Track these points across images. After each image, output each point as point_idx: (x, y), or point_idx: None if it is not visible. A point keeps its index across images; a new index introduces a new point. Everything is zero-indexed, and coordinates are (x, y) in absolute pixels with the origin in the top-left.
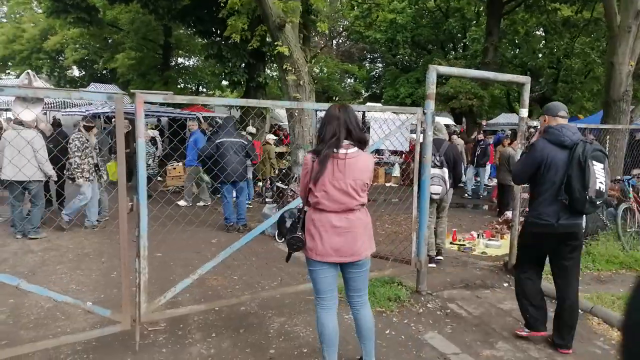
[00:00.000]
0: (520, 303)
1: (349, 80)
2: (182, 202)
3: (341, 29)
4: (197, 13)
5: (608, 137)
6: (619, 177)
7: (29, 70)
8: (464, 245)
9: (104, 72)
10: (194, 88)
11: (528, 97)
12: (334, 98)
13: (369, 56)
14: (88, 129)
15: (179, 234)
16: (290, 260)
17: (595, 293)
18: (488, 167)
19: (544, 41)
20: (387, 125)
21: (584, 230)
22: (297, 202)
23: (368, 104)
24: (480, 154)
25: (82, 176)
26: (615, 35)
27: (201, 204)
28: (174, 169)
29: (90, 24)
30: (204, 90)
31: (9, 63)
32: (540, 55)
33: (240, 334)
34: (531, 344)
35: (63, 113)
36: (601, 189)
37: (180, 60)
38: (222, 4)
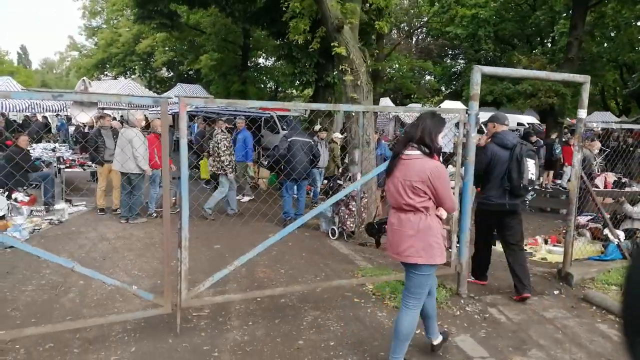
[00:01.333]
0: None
1: (428, 77)
2: (245, 198)
3: (419, 25)
4: (270, 15)
5: None
6: None
7: (85, 78)
8: (524, 250)
9: (190, 72)
10: (273, 87)
11: (587, 97)
12: (412, 96)
13: (450, 52)
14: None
15: (240, 227)
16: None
17: None
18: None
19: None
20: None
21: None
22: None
23: (411, 105)
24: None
25: (232, 171)
26: None
27: (246, 199)
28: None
29: (172, 28)
30: (279, 89)
31: (107, 65)
32: (635, 49)
33: (275, 324)
34: (566, 354)
35: (151, 112)
36: (532, 179)
37: (260, 60)
38: (284, 8)
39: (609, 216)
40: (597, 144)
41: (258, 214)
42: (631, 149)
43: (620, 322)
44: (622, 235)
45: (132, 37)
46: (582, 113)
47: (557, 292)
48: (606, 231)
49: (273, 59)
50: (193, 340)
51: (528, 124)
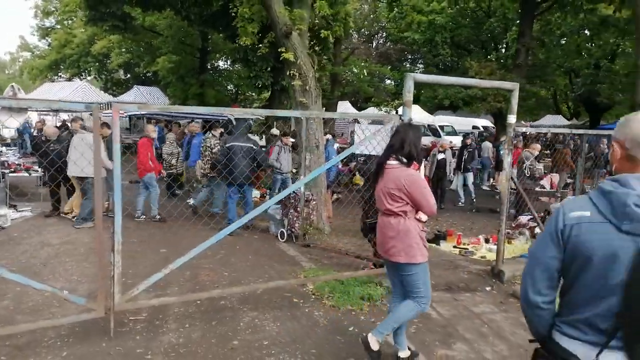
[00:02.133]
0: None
1: (388, 81)
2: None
3: (378, 30)
4: (226, 18)
5: None
6: None
7: (14, 84)
8: (466, 249)
9: (147, 74)
10: (233, 90)
11: (516, 103)
12: (372, 100)
13: (409, 57)
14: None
15: (189, 232)
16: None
17: None
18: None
19: (580, 42)
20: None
21: None
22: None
23: (342, 111)
24: (467, 158)
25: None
26: None
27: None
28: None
29: (125, 30)
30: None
31: (61, 66)
32: (581, 55)
33: (212, 325)
34: (488, 346)
35: (104, 115)
36: None
37: (219, 63)
38: (234, 13)
39: (540, 215)
40: (537, 146)
41: (205, 218)
42: (579, 150)
43: (621, 330)
44: None
45: (87, 38)
46: (512, 118)
47: (489, 288)
48: (537, 229)
49: (230, 62)
50: (127, 344)
51: (482, 126)
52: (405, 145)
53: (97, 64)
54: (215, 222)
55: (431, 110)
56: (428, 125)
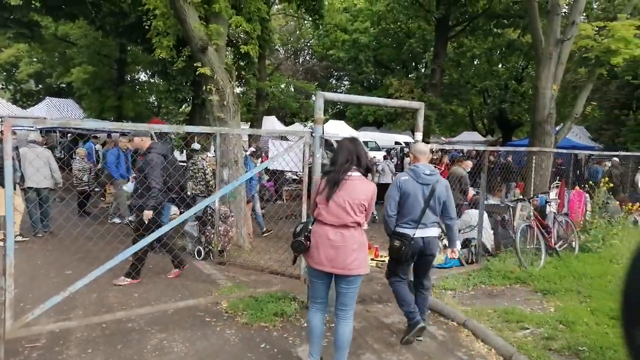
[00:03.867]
0: None
1: (314, 97)
2: (117, 220)
3: (303, 47)
4: (143, 30)
5: (534, 157)
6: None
7: None
8: (383, 261)
9: (61, 85)
10: (155, 103)
11: (422, 121)
12: (298, 116)
13: (335, 74)
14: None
15: (101, 252)
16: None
17: (479, 307)
18: None
19: (491, 64)
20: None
21: (494, 246)
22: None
23: (268, 125)
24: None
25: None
26: (540, 61)
27: (117, 220)
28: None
29: (32, 39)
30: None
31: None
32: (492, 76)
33: (117, 349)
34: (395, 355)
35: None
36: None
37: (140, 75)
38: (147, 26)
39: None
40: (469, 163)
41: (120, 236)
42: (492, 166)
43: (619, 314)
44: (458, 244)
45: None
46: (418, 135)
47: None
48: (445, 241)
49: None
50: None
51: (404, 142)
52: (361, 159)
53: (4, 73)
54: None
55: (356, 126)
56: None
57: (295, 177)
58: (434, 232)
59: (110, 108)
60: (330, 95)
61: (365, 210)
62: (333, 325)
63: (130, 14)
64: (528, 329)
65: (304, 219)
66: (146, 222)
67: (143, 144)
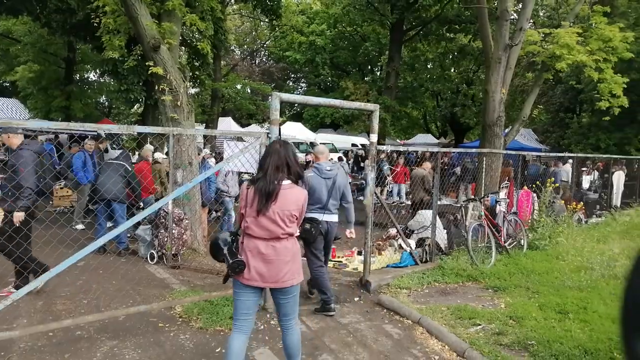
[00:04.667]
0: None
1: (270, 98)
2: (80, 226)
3: (260, 48)
4: (93, 28)
5: (484, 158)
6: (477, 197)
7: None
8: (340, 262)
9: (5, 85)
10: (106, 103)
11: (377, 123)
12: (254, 117)
13: (292, 76)
14: None
15: (51, 258)
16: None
17: (433, 305)
18: None
19: (443, 68)
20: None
21: (448, 245)
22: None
23: (224, 126)
24: None
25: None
26: (489, 66)
27: (80, 226)
28: (61, 188)
29: None
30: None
31: None
32: (444, 80)
33: (65, 358)
34: (352, 355)
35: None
36: None
37: (90, 75)
38: (96, 24)
39: (402, 227)
40: (428, 164)
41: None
42: (446, 167)
43: (619, 320)
44: (413, 243)
45: None
46: (373, 137)
47: (357, 299)
48: (400, 241)
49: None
50: None
51: (361, 144)
52: (291, 165)
53: None
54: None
55: (314, 128)
56: (310, 142)
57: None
58: (335, 217)
59: (57, 108)
60: (287, 97)
61: (297, 219)
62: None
63: (78, 10)
64: (480, 325)
65: None
66: (17, 225)
67: (11, 141)
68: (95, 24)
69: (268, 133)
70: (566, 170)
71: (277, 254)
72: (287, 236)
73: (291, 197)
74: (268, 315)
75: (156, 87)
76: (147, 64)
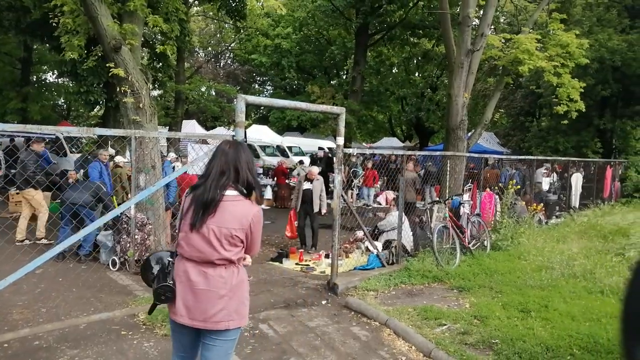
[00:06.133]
0: None
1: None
2: None
3: (224, 50)
4: (50, 27)
5: (448, 161)
6: (441, 199)
7: None
8: (307, 265)
9: None
10: (64, 105)
11: (343, 126)
12: (221, 119)
13: (258, 79)
14: None
15: (9, 265)
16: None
17: (399, 306)
18: None
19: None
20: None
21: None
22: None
23: (188, 129)
24: None
25: None
26: (452, 70)
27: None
28: (17, 193)
29: None
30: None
31: None
32: (409, 84)
33: None
34: (320, 359)
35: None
36: None
37: (47, 76)
38: (55, 24)
39: (369, 229)
40: (411, 164)
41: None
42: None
43: (619, 330)
44: (380, 245)
45: None
46: (340, 140)
47: (325, 302)
48: (367, 243)
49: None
50: None
51: (328, 148)
52: (240, 171)
53: None
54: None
55: (280, 131)
56: (277, 146)
57: None
58: None
59: (13, 111)
60: (252, 99)
61: (242, 244)
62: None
63: (33, 9)
64: (445, 325)
65: None
66: None
67: None
68: (54, 24)
69: (234, 136)
70: (541, 173)
71: (208, 283)
72: (225, 263)
73: (234, 212)
74: None
75: (117, 89)
76: (107, 65)
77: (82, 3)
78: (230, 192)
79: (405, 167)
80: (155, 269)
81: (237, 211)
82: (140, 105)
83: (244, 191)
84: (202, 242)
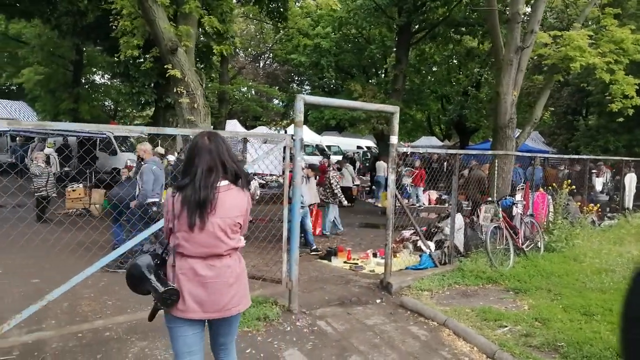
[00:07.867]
0: None
1: (275, 101)
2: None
3: (265, 51)
4: (104, 30)
5: (497, 160)
6: (491, 199)
7: None
8: (356, 264)
9: (12, 87)
10: (112, 106)
11: (397, 124)
12: (260, 119)
13: (296, 78)
14: None
15: (64, 261)
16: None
17: (456, 307)
18: None
19: (450, 71)
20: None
21: (464, 247)
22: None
23: (230, 128)
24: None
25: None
26: (500, 68)
27: None
28: (74, 190)
29: None
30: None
31: None
32: (451, 83)
33: (97, 359)
34: (382, 357)
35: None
36: None
37: (95, 77)
38: (114, 26)
39: (424, 229)
40: (487, 167)
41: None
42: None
43: (619, 332)
44: (432, 245)
45: None
46: (394, 139)
47: (379, 300)
48: (419, 243)
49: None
50: None
51: (366, 147)
52: (226, 162)
53: None
54: (98, 248)
55: (319, 131)
56: (316, 145)
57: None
58: None
59: (65, 111)
60: (311, 99)
61: (241, 228)
62: None
63: (88, 13)
64: (506, 326)
65: (285, 223)
66: None
67: None
68: (113, 27)
69: (292, 135)
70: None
71: (217, 275)
72: (231, 252)
73: (232, 200)
74: (293, 317)
75: (174, 90)
76: (165, 66)
77: (140, 6)
78: (223, 183)
79: (478, 167)
80: (152, 277)
81: (234, 199)
82: (195, 105)
83: (234, 179)
84: (210, 239)
